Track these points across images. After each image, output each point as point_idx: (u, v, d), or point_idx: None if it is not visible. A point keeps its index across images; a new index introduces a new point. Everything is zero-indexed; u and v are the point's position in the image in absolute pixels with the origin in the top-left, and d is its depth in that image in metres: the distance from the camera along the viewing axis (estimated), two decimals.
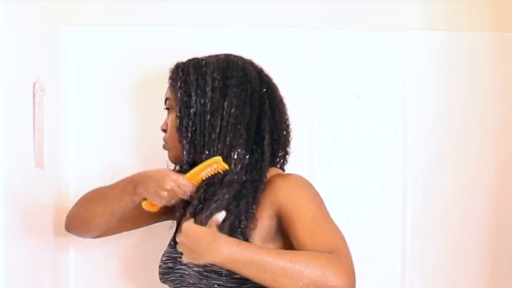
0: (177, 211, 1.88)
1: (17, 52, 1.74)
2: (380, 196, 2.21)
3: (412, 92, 2.21)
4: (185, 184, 1.69)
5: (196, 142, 1.74)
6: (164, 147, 1.83)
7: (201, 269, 1.67)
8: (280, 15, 2.21)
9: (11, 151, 1.67)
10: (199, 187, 1.71)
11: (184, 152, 1.75)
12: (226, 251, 1.57)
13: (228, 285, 1.66)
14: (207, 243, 1.58)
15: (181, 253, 1.64)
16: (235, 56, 1.80)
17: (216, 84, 1.73)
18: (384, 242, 2.20)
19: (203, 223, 1.63)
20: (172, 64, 1.83)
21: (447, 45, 2.22)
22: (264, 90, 1.77)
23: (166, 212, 1.90)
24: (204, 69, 1.76)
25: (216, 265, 1.61)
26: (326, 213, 1.68)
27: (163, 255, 1.81)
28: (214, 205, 1.67)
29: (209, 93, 1.73)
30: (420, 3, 2.23)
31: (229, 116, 1.72)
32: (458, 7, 2.22)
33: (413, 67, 2.21)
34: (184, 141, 1.74)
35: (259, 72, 1.80)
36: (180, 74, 1.77)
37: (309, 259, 1.56)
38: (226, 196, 1.67)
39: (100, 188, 1.88)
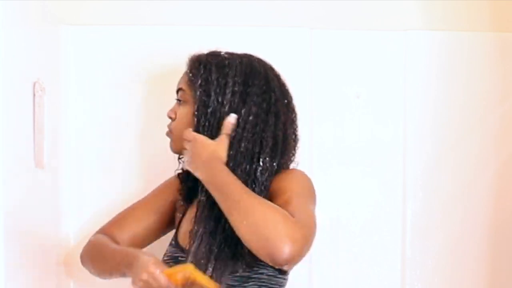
0: (177, 211, 1.88)
1: (17, 52, 1.73)
2: (380, 196, 2.21)
3: (412, 92, 2.21)
4: (160, 279, 1.61)
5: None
6: (168, 135, 1.83)
7: (202, 268, 1.67)
8: (280, 15, 2.21)
9: (11, 151, 1.67)
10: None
11: None
12: (209, 173, 1.65)
13: (230, 283, 1.66)
14: (207, 157, 1.68)
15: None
16: (258, 61, 1.79)
17: (236, 88, 1.73)
18: (384, 242, 2.20)
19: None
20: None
21: (447, 45, 2.22)
22: (286, 101, 1.79)
23: (172, 223, 1.91)
24: (227, 70, 1.74)
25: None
26: (310, 201, 1.69)
27: (165, 255, 1.81)
28: None
29: (229, 95, 1.72)
30: (420, 3, 2.23)
31: (245, 123, 1.72)
32: (458, 7, 2.22)
33: (413, 67, 2.21)
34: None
35: (279, 80, 1.80)
36: (202, 71, 1.76)
37: (271, 207, 1.57)
38: None
39: (103, 247, 1.85)
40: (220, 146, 1.70)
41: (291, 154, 1.80)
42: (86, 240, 1.96)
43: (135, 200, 2.01)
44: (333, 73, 2.21)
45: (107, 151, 2.18)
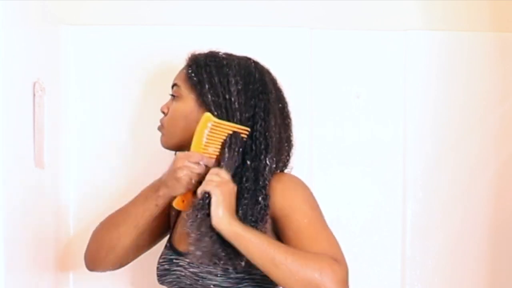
0: (172, 210, 1.88)
1: (17, 52, 1.73)
2: (380, 196, 2.21)
3: (412, 92, 2.21)
4: (192, 154, 1.67)
5: None
6: (159, 129, 1.82)
7: (197, 270, 1.68)
8: (280, 15, 2.21)
9: (11, 151, 1.67)
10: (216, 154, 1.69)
11: None
12: (238, 225, 1.59)
13: (224, 285, 1.66)
14: (233, 209, 1.61)
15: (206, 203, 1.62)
16: (255, 65, 1.78)
17: (240, 87, 1.72)
18: (384, 242, 2.20)
19: None
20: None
21: (447, 45, 2.22)
22: (280, 105, 1.78)
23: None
24: (227, 69, 1.74)
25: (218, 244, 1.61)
26: (322, 219, 1.68)
27: (160, 257, 1.80)
28: None
29: (235, 93, 1.72)
30: (420, 3, 2.23)
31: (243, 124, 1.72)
32: (458, 7, 2.22)
33: (413, 67, 2.21)
34: None
35: (275, 85, 1.79)
36: (202, 71, 1.74)
37: (314, 259, 1.57)
38: None
39: (116, 211, 1.83)
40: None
41: (284, 158, 1.79)
42: (86, 240, 1.96)
43: None
44: (333, 73, 2.21)
45: (107, 151, 2.18)
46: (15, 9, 1.73)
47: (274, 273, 1.58)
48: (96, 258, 1.84)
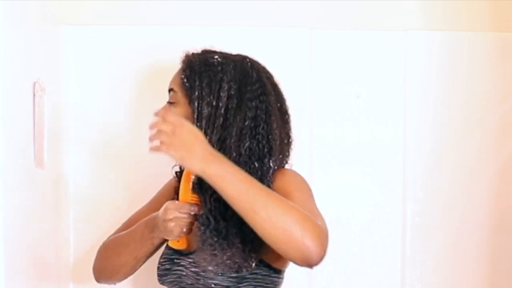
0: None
1: (17, 52, 1.73)
2: (380, 196, 2.21)
3: (412, 92, 2.21)
4: (182, 205, 1.67)
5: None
6: None
7: (198, 270, 1.68)
8: (280, 15, 2.21)
9: (11, 151, 1.67)
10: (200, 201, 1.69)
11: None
12: (218, 166, 1.52)
13: (225, 284, 1.66)
14: (204, 148, 1.53)
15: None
16: (251, 64, 1.76)
17: (232, 92, 1.71)
18: (384, 242, 2.20)
19: None
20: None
21: (447, 45, 2.23)
22: (279, 104, 1.78)
23: None
24: (221, 75, 1.72)
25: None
26: (314, 199, 1.67)
27: (161, 257, 1.80)
28: None
29: (224, 99, 1.70)
30: (420, 3, 2.23)
31: (242, 128, 1.70)
32: (458, 7, 2.22)
33: (413, 67, 2.21)
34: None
35: (272, 82, 1.79)
36: (196, 77, 1.73)
37: (297, 210, 1.52)
38: None
39: (117, 238, 1.85)
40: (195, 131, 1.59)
41: (285, 156, 1.79)
42: (86, 240, 1.97)
43: (135, 200, 2.01)
44: (333, 73, 2.21)
45: (107, 150, 2.18)
46: (15, 9, 1.73)
47: (251, 219, 1.52)
48: (102, 277, 1.89)
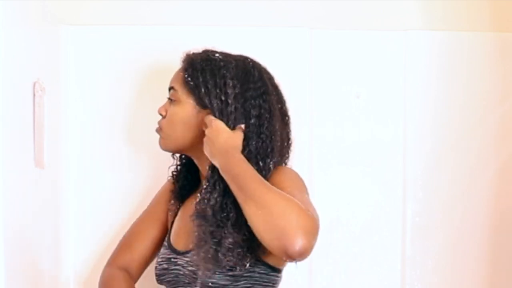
0: (170, 210, 1.88)
1: (17, 52, 1.73)
2: (380, 196, 2.21)
3: (412, 92, 2.21)
4: None
5: None
6: (157, 131, 1.82)
7: (195, 269, 1.68)
8: (280, 15, 2.21)
9: (11, 151, 1.67)
10: None
11: None
12: (226, 161, 1.63)
13: (222, 282, 1.67)
14: (223, 144, 1.65)
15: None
16: (252, 64, 1.77)
17: (237, 91, 1.72)
18: (384, 242, 2.20)
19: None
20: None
21: (447, 45, 2.22)
22: (279, 105, 1.78)
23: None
24: (224, 71, 1.73)
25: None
26: (307, 194, 1.68)
27: (158, 257, 1.81)
28: None
29: (232, 96, 1.71)
30: (420, 3, 2.23)
31: (247, 126, 1.71)
32: (458, 7, 2.22)
33: (413, 67, 2.21)
34: None
35: (273, 82, 1.79)
36: (199, 75, 1.74)
37: (286, 198, 1.56)
38: None
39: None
40: (236, 135, 1.69)
41: (284, 158, 1.80)
42: (86, 240, 1.97)
43: (135, 200, 2.01)
44: (333, 73, 2.21)
45: (107, 150, 2.18)
46: (15, 9, 1.73)
47: (247, 201, 1.58)
48: None
